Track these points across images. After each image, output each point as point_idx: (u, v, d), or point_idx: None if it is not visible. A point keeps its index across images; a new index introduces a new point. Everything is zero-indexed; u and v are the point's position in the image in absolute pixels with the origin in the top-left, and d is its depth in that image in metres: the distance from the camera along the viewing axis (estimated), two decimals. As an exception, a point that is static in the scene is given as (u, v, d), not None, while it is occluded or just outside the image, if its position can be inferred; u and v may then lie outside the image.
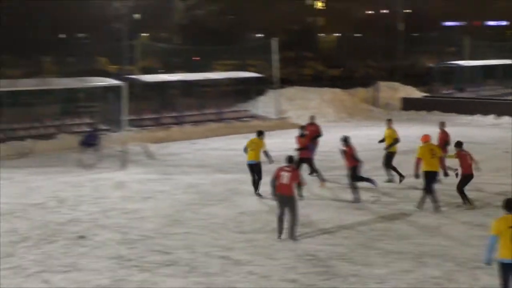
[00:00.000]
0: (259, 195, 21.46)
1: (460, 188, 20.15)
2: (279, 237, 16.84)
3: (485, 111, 43.29)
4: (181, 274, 14.41)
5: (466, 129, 37.28)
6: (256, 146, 21.72)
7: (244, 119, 41.77)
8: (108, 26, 57.62)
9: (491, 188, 22.66)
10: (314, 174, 23.01)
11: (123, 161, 27.84)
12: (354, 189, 20.83)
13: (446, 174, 21.54)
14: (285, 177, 16.73)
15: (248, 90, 49.53)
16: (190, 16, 51.15)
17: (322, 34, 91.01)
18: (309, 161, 23.13)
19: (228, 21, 60.77)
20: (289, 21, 72.81)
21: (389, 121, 24.87)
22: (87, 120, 36.00)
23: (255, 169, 21.60)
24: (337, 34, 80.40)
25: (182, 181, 24.24)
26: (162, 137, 35.23)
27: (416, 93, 52.29)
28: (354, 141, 32.80)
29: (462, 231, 17.59)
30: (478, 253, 15.66)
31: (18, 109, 39.48)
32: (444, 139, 23.64)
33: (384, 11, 77.65)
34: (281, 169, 17.00)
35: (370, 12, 77.63)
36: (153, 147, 32.17)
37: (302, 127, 23.98)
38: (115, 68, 57.34)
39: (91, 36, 61.37)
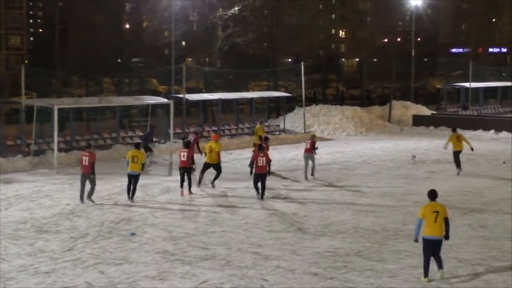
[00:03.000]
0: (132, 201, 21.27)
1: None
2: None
3: (486, 127, 42.73)
4: (218, 267, 14.41)
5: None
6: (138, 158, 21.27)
7: (275, 132, 41.75)
8: (159, 52, 58.00)
9: (492, 195, 22.40)
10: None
11: (170, 168, 28.03)
12: None
13: None
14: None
15: (279, 108, 49.62)
16: (230, 43, 51.17)
17: (344, 59, 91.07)
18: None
19: (263, 47, 60.84)
20: (316, 48, 73.14)
21: None
22: (140, 133, 36.19)
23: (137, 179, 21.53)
24: (357, 59, 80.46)
25: (220, 186, 24.18)
26: (203, 148, 35.11)
27: (425, 110, 51.87)
28: (370, 153, 32.89)
29: (464, 232, 17.34)
30: (478, 251, 15.54)
31: (81, 123, 40.07)
32: None
33: (398, 39, 77.96)
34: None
35: (386, 40, 77.90)
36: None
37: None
38: (164, 88, 57.68)
39: (144, 60, 61.84)
